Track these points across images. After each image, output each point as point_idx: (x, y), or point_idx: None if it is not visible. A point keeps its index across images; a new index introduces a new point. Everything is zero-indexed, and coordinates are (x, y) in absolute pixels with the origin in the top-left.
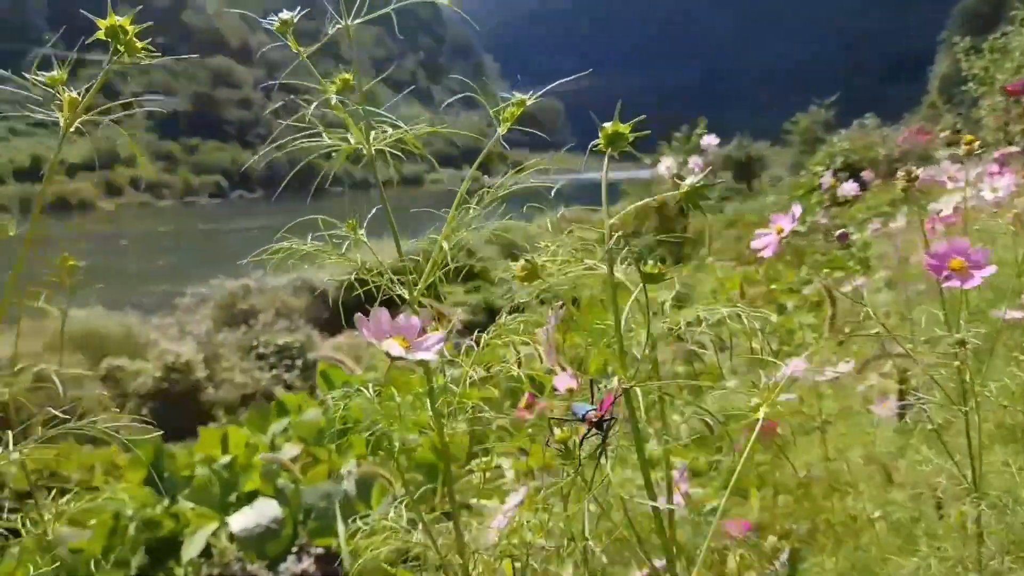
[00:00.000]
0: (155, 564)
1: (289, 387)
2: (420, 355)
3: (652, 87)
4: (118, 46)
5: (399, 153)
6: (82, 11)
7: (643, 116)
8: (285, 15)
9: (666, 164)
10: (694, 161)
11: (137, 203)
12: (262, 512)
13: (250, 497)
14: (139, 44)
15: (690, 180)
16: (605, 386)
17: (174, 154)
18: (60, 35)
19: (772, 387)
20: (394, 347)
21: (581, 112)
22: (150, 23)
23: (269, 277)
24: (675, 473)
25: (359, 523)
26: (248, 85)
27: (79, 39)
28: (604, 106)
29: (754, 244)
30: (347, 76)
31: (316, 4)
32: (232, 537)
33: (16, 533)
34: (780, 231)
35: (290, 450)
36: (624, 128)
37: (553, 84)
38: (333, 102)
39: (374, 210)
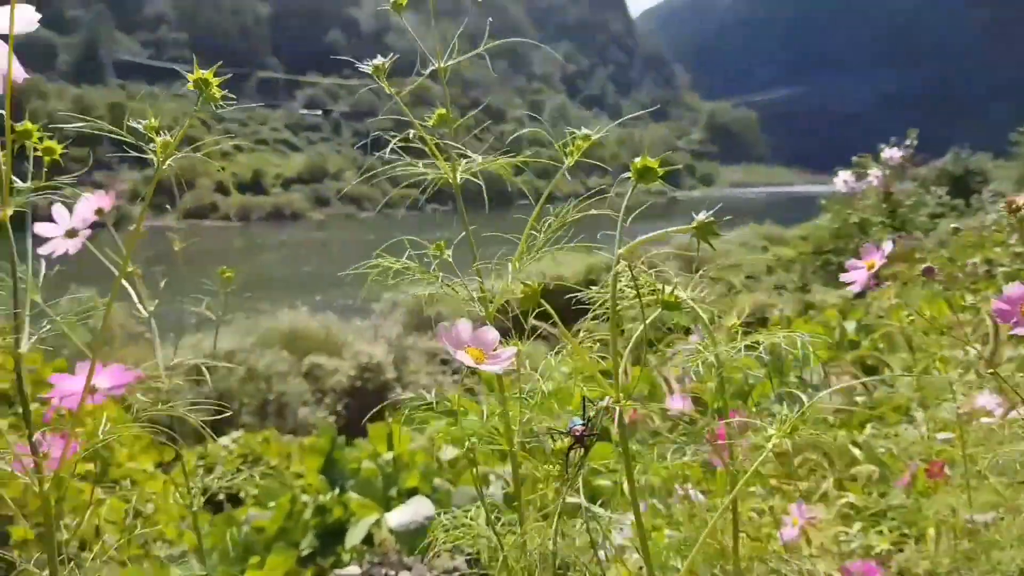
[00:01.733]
0: (324, 548)
1: (469, 391)
2: (488, 367)
3: (864, 95)
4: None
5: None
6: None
7: (856, 125)
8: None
9: (843, 178)
10: (873, 175)
11: (343, 215)
12: (417, 509)
13: (409, 493)
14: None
15: (700, 216)
16: (596, 404)
17: (374, 168)
18: (280, 60)
19: (963, 420)
20: (467, 358)
21: (778, 121)
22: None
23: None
24: (793, 506)
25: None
26: (443, 103)
27: (297, 62)
28: (804, 116)
29: (843, 277)
30: (443, 111)
31: (508, 23)
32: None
33: (220, 507)
34: (871, 266)
35: (449, 451)
36: (653, 163)
37: (761, 94)
38: (413, 133)
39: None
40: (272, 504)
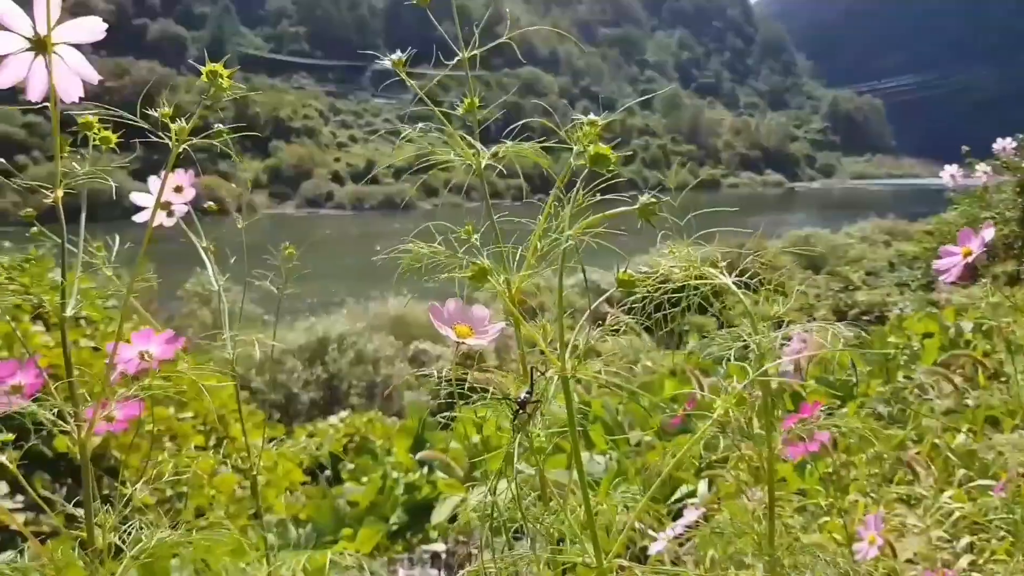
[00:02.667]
0: (412, 524)
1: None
2: (474, 341)
3: (997, 84)
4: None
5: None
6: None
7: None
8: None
9: (950, 172)
10: (982, 169)
11: (450, 204)
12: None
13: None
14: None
15: (643, 199)
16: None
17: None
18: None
19: None
20: (451, 333)
21: (906, 110)
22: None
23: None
24: (869, 518)
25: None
26: (553, 93)
27: (411, 53)
28: (933, 105)
29: (936, 265)
30: (473, 101)
31: (620, 11)
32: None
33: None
34: (967, 254)
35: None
36: (605, 150)
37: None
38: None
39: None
40: (365, 480)
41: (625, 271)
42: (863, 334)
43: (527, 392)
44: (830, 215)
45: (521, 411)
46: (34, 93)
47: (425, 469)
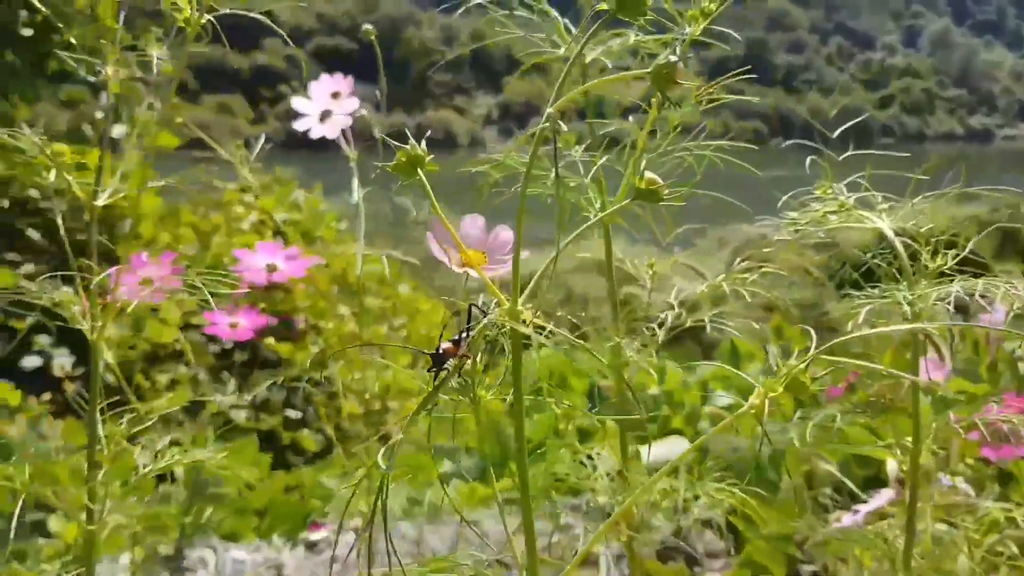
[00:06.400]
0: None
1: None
2: (487, 271)
3: None
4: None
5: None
6: None
7: None
8: None
9: None
10: None
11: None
12: (673, 448)
13: (670, 433)
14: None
15: (660, 59)
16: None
17: (719, 98)
18: None
19: None
20: (445, 257)
21: None
22: None
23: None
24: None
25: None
26: (803, 28)
27: None
28: None
29: None
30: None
31: None
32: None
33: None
34: None
35: (721, 398)
36: None
37: None
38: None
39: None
40: (536, 417)
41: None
42: None
43: (456, 338)
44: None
45: (439, 367)
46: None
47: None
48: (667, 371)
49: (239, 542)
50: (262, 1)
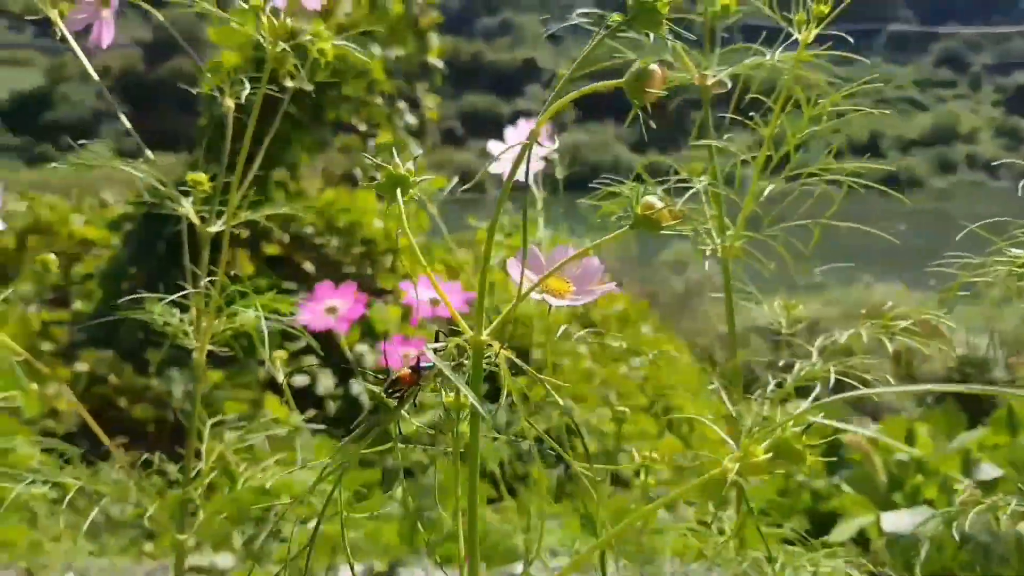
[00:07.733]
0: (817, 532)
1: None
2: (563, 302)
3: None
4: None
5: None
6: None
7: None
8: None
9: None
10: None
11: (968, 182)
12: (917, 518)
13: (921, 503)
14: None
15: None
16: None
17: (1019, 131)
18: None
19: None
20: (518, 274)
21: None
22: None
23: None
24: None
25: None
26: None
27: (937, 11)
28: None
29: None
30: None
31: None
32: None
33: None
34: None
35: (989, 470)
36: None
37: None
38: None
39: None
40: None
41: None
42: None
43: (416, 365)
44: None
45: (392, 393)
46: None
47: (837, 477)
48: (917, 435)
49: (447, 566)
50: (523, 51)
